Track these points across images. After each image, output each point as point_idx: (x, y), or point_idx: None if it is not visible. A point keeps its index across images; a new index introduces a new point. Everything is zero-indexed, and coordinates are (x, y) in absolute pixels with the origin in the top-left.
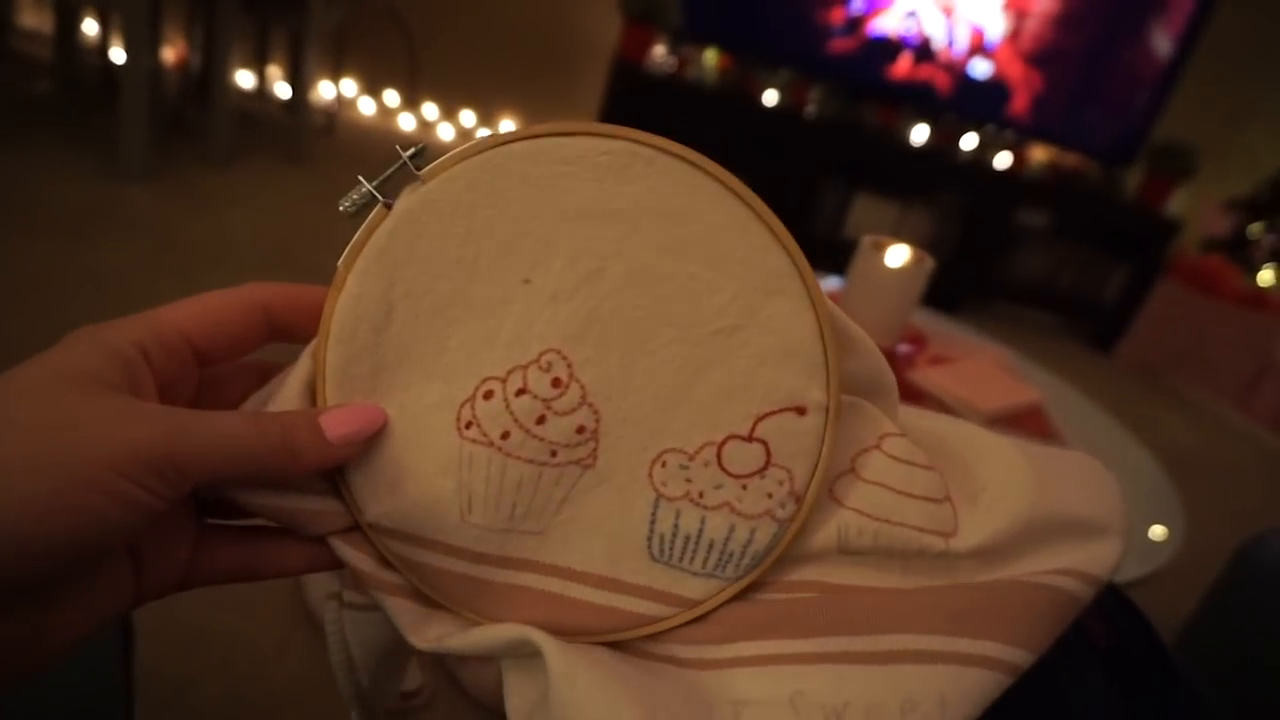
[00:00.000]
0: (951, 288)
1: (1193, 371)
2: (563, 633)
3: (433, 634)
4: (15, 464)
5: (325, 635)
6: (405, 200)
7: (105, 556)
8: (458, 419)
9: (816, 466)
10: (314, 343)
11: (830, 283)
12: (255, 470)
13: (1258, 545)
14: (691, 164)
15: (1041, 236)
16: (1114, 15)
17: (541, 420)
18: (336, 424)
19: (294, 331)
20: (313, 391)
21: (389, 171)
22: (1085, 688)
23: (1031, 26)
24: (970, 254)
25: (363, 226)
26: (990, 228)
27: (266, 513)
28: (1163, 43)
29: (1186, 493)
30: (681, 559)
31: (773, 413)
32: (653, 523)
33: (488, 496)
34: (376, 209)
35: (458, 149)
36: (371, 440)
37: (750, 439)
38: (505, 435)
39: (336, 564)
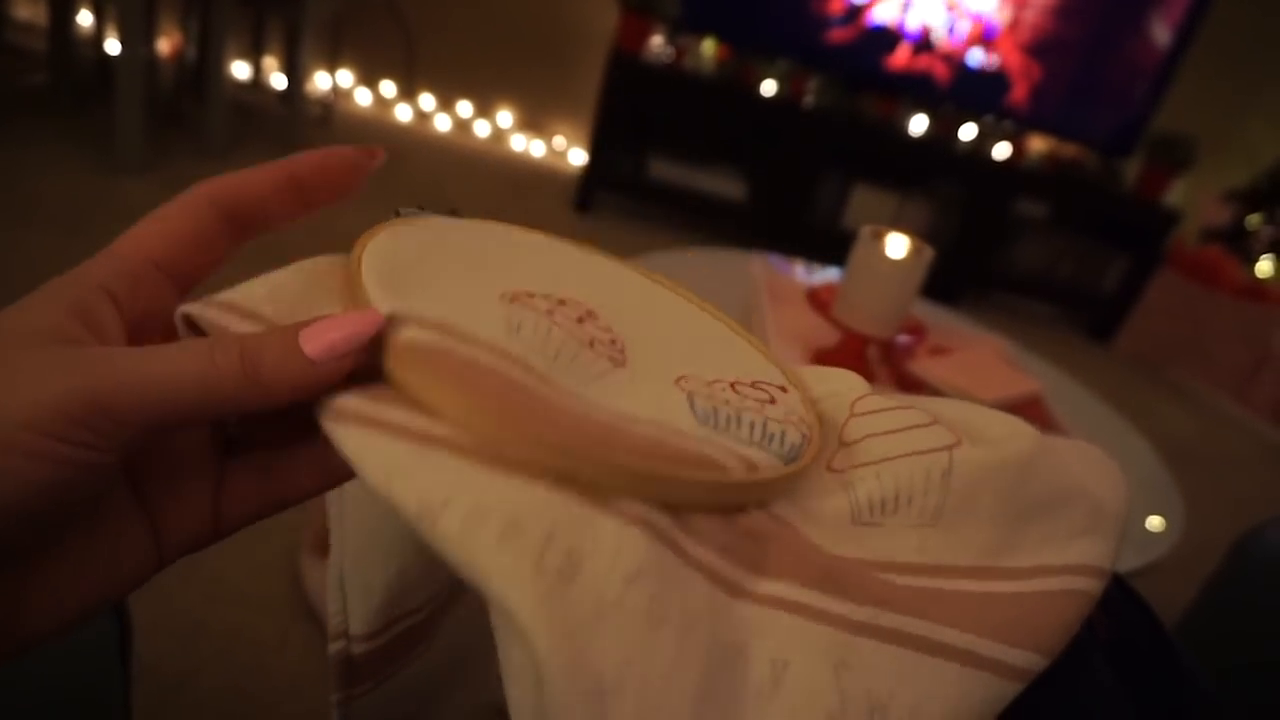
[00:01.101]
0: (950, 278)
1: (1191, 362)
2: (620, 451)
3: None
4: None
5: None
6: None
7: (70, 519)
8: (501, 296)
9: (811, 425)
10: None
11: (829, 273)
12: (216, 405)
13: (1256, 537)
14: (631, 268)
15: (1040, 227)
16: (1113, 5)
17: (581, 320)
18: (317, 335)
19: (254, 218)
20: (284, 297)
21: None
22: (1091, 680)
23: (1031, 16)
24: (969, 245)
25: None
26: (989, 218)
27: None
28: (1162, 33)
29: (1185, 484)
30: (727, 430)
31: (764, 382)
32: (692, 405)
33: (536, 331)
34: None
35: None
36: (366, 352)
37: (753, 385)
38: (550, 313)
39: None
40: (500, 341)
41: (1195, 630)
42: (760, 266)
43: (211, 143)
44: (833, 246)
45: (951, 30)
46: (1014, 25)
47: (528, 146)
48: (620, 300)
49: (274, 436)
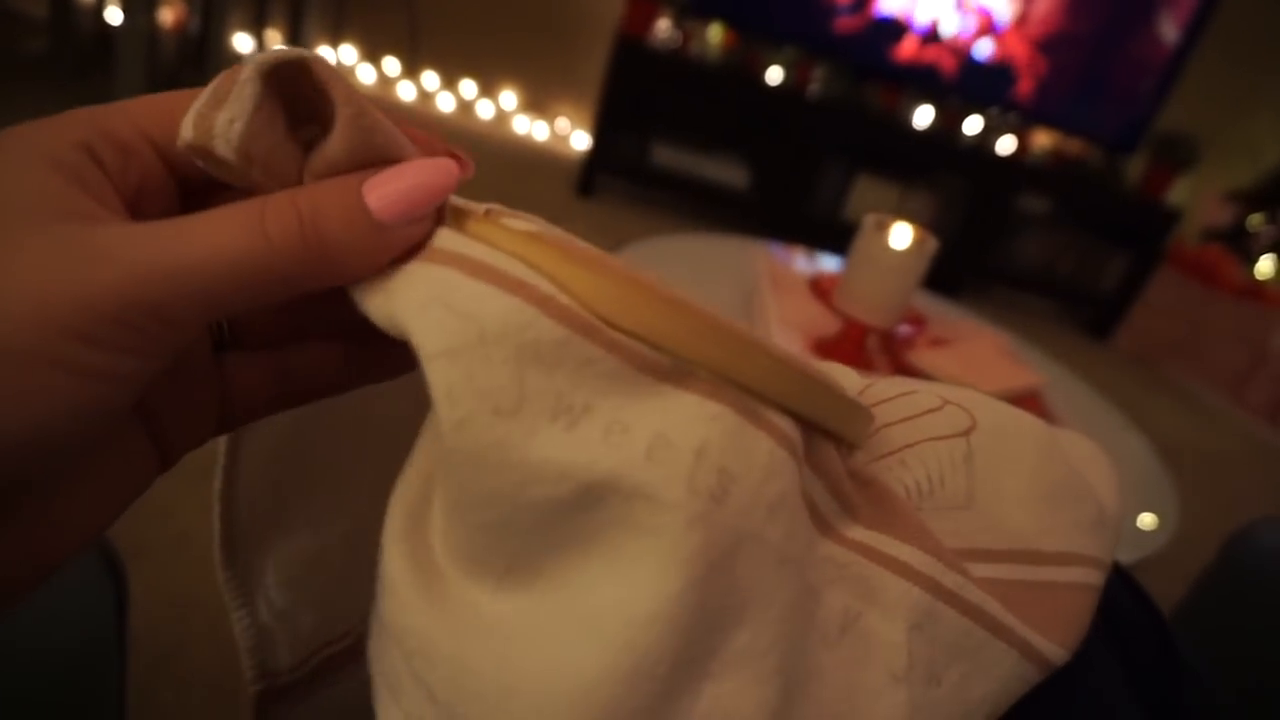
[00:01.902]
0: (951, 271)
1: (1188, 361)
2: (775, 353)
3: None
4: None
5: None
6: None
7: (98, 441)
8: None
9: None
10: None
11: (830, 262)
12: (273, 289)
13: (1247, 535)
14: None
15: (1042, 222)
16: (1122, 2)
17: None
18: (387, 192)
19: None
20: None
21: None
22: (1098, 673)
23: (1039, 10)
24: (970, 238)
25: None
26: (991, 212)
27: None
28: (1170, 31)
29: (1179, 482)
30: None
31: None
32: None
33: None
34: None
35: None
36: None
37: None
38: None
39: (379, 370)
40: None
41: (1186, 626)
42: (762, 255)
43: None
44: (834, 236)
45: (959, 23)
46: (1022, 19)
47: (531, 128)
48: None
49: (274, 324)
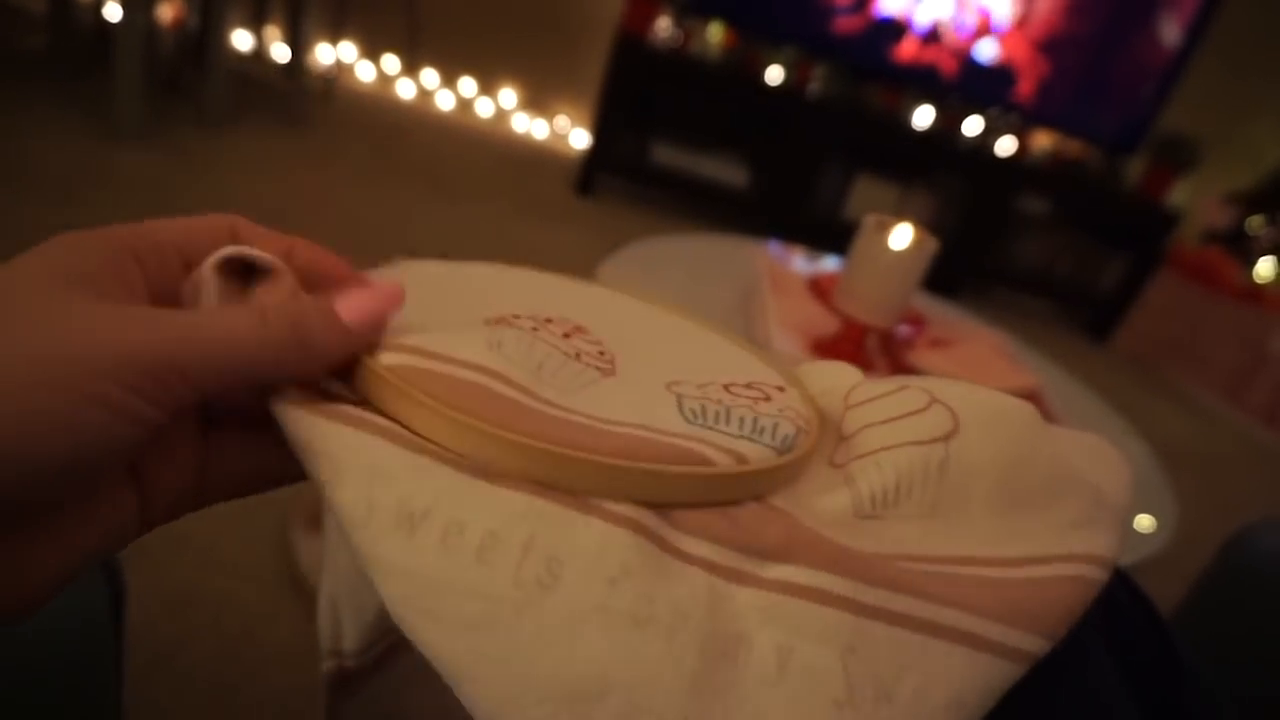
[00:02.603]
0: (950, 272)
1: (1187, 363)
2: (604, 453)
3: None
4: (8, 372)
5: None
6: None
7: (100, 478)
8: (485, 322)
9: (809, 420)
10: None
11: (829, 262)
12: (267, 370)
13: (1246, 537)
14: (644, 300)
15: (1041, 224)
16: (1123, 3)
17: (568, 335)
18: (355, 307)
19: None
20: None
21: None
22: (1092, 671)
23: (1040, 11)
24: (970, 239)
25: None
26: (990, 213)
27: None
28: (1171, 33)
29: (1177, 484)
30: (716, 423)
31: (759, 383)
32: (680, 405)
33: (519, 347)
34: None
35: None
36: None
37: (748, 385)
38: (535, 330)
39: None
40: (480, 358)
41: (1185, 628)
42: (761, 254)
43: (211, 113)
44: (833, 236)
45: (959, 23)
46: (1023, 20)
47: (530, 127)
48: (613, 320)
49: (255, 410)
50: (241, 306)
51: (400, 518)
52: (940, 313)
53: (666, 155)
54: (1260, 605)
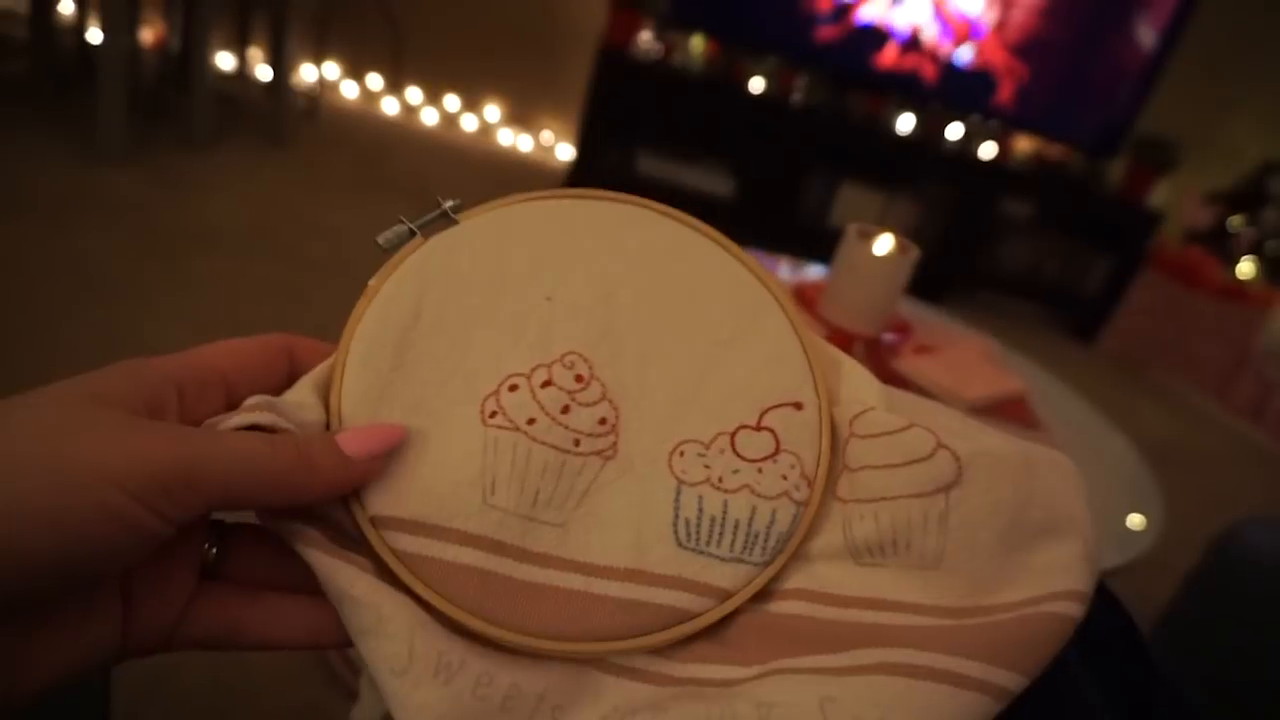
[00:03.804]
0: (936, 277)
1: (1172, 362)
2: (588, 638)
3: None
4: (19, 469)
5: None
6: (443, 233)
7: (95, 588)
8: (482, 410)
9: (820, 455)
10: (334, 356)
11: (815, 271)
12: (271, 489)
13: (1233, 535)
14: (683, 222)
15: (1025, 227)
16: (1099, 7)
17: (566, 410)
18: (355, 441)
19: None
20: (323, 393)
21: (429, 216)
22: (1069, 682)
23: (1017, 17)
24: (955, 243)
25: (400, 251)
26: (975, 217)
27: (268, 520)
28: (1147, 35)
29: (1165, 482)
30: (709, 543)
31: (775, 406)
32: (677, 508)
33: (512, 477)
34: (414, 240)
35: (491, 202)
36: (392, 456)
37: (759, 428)
38: (531, 421)
39: (336, 638)
40: (474, 524)
41: (1174, 625)
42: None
43: (195, 134)
44: (819, 244)
45: (939, 30)
46: (1001, 25)
47: (515, 141)
48: (639, 298)
49: (254, 571)
50: (256, 434)
51: (439, 667)
52: (926, 318)
53: (652, 166)
54: (1248, 601)
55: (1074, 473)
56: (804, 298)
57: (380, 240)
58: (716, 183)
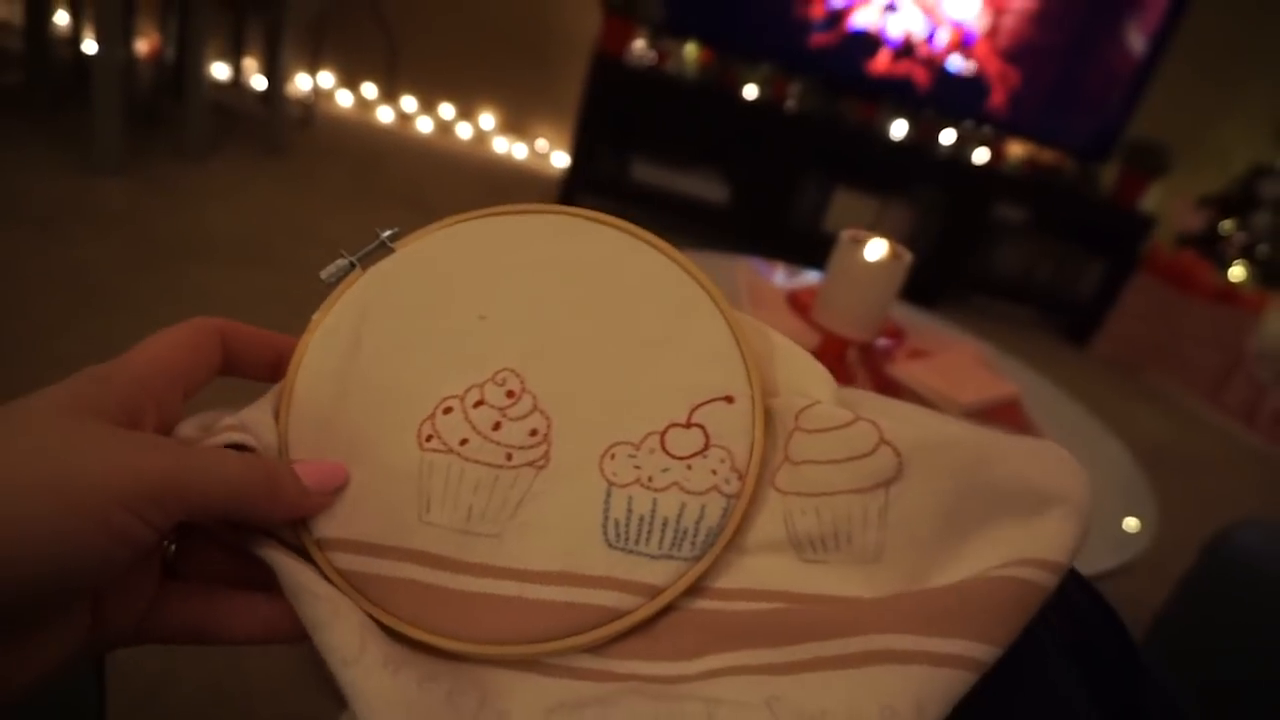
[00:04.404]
0: (930, 282)
1: (1166, 366)
2: (523, 640)
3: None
4: (17, 487)
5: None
6: (380, 263)
7: (81, 594)
8: (419, 435)
9: (752, 447)
10: (281, 384)
11: (809, 277)
12: (242, 507)
13: (1227, 538)
14: (615, 228)
15: (1019, 231)
16: (1090, 13)
17: (497, 426)
18: (313, 475)
19: (241, 362)
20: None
21: (368, 248)
22: (1051, 680)
23: (1009, 23)
24: (948, 248)
25: (341, 284)
26: (968, 222)
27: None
28: (1138, 41)
29: (1159, 485)
30: (638, 541)
31: (705, 402)
32: (606, 510)
33: (445, 497)
34: (354, 272)
35: (428, 226)
36: (338, 493)
37: (689, 425)
38: (464, 442)
39: (294, 633)
40: (411, 540)
41: (1168, 628)
42: (741, 270)
43: (190, 144)
44: (814, 249)
45: (931, 36)
46: (993, 31)
47: (510, 149)
48: (570, 308)
49: (210, 568)
50: (233, 453)
51: (387, 659)
52: (920, 323)
53: (646, 173)
54: (1243, 603)
55: (1053, 454)
56: (797, 304)
57: (323, 275)
58: (711, 189)
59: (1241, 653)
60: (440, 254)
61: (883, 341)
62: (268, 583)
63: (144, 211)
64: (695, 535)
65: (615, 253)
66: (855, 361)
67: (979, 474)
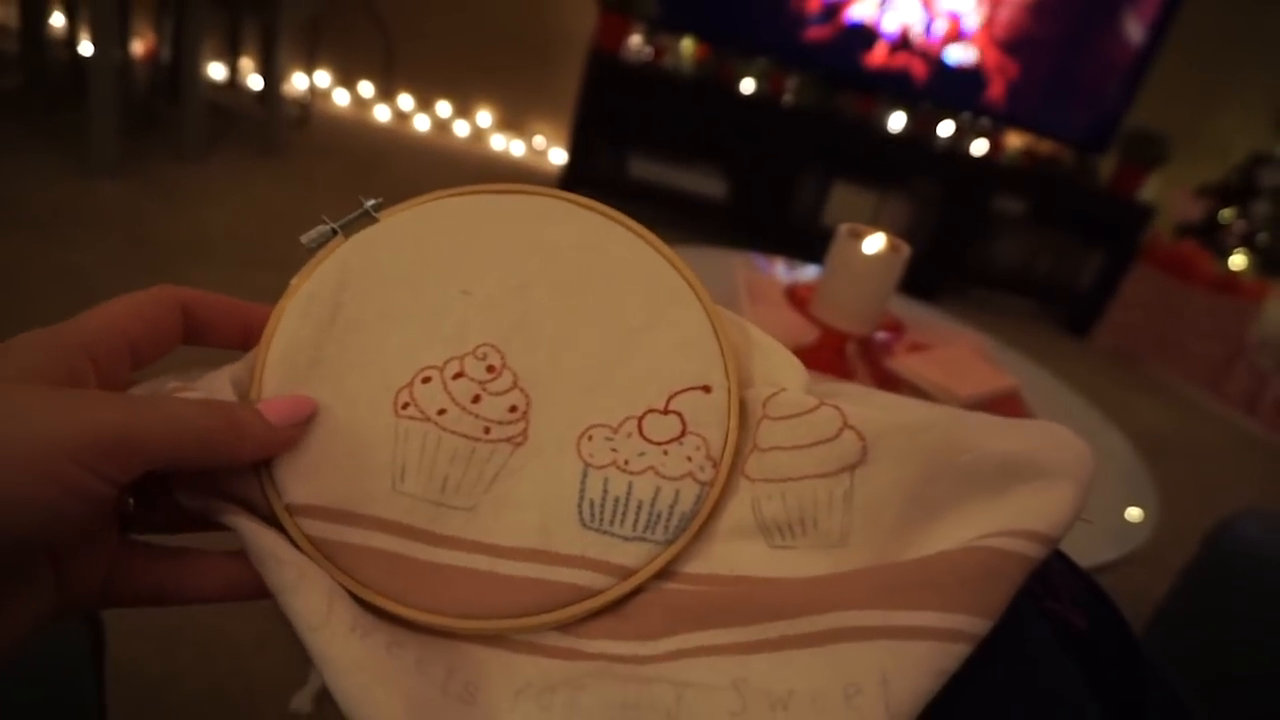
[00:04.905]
0: (929, 274)
1: (1166, 356)
2: (492, 614)
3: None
4: None
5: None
6: (363, 231)
7: (38, 553)
8: (395, 401)
9: (727, 436)
10: (253, 351)
11: (808, 271)
12: (204, 452)
13: (1228, 528)
14: (601, 214)
15: (1018, 223)
16: (1088, 3)
17: (477, 399)
18: (274, 409)
19: (208, 331)
20: (239, 390)
21: (351, 215)
22: (1053, 680)
23: (1006, 14)
24: (948, 240)
25: (322, 249)
26: (967, 214)
27: (192, 500)
28: (1135, 30)
29: (1160, 475)
30: (612, 522)
31: (683, 390)
32: (582, 490)
33: (421, 465)
34: (335, 239)
35: (412, 199)
36: (306, 427)
37: (666, 411)
38: (442, 412)
39: (254, 592)
40: (384, 509)
41: (1170, 619)
42: (740, 265)
43: (187, 145)
44: (813, 244)
45: (928, 28)
46: (990, 23)
47: (508, 146)
48: (553, 290)
49: (166, 519)
50: (190, 400)
51: (354, 624)
52: (919, 316)
53: (644, 169)
54: (1245, 594)
55: (1044, 430)
56: (796, 298)
57: (304, 240)
58: (709, 185)
59: (1243, 642)
60: (425, 227)
61: (882, 335)
62: (227, 539)
63: (142, 213)
64: (669, 519)
65: (601, 239)
66: (854, 355)
67: (950, 457)
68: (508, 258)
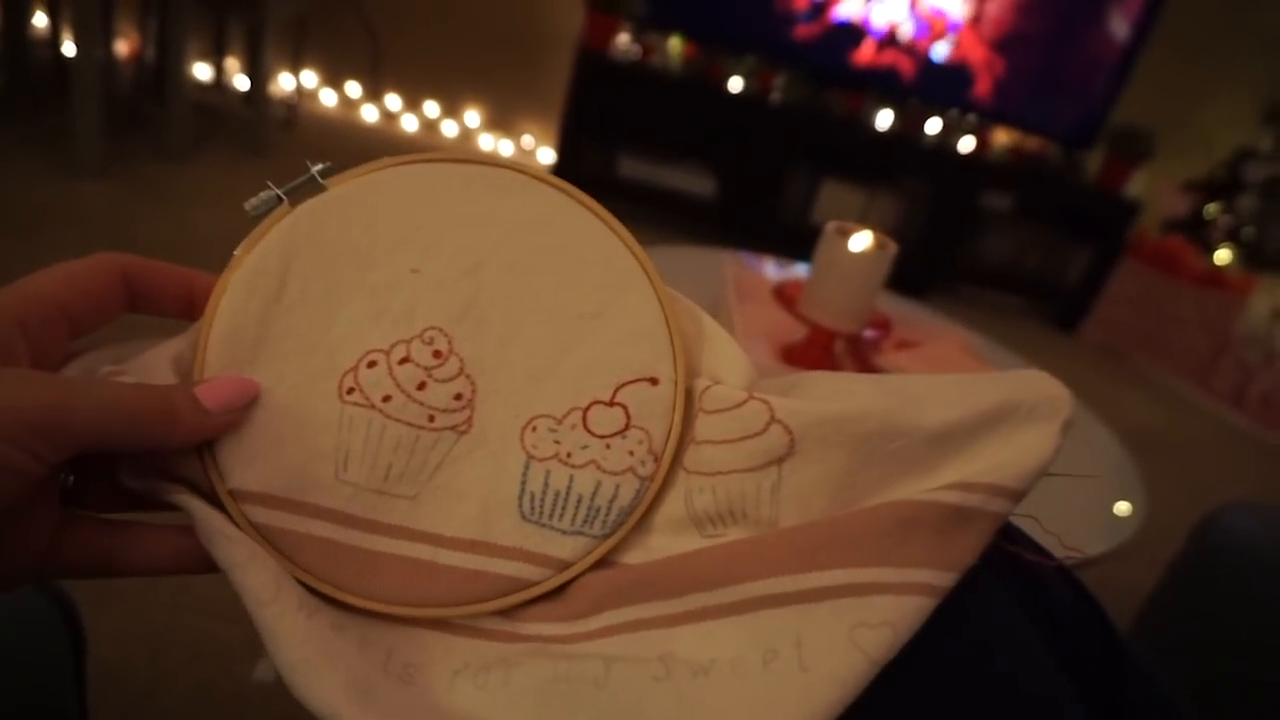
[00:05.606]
0: (918, 271)
1: (1154, 350)
2: (430, 603)
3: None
4: None
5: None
6: (311, 200)
7: None
8: (339, 386)
9: (670, 430)
10: (196, 325)
11: (797, 269)
12: (136, 435)
13: (1216, 521)
14: (558, 189)
15: (1005, 219)
16: (1073, 0)
17: (422, 386)
18: (211, 394)
19: (151, 300)
20: (181, 366)
21: (297, 181)
22: (1038, 676)
23: (993, 11)
24: (936, 237)
25: (267, 219)
26: (955, 211)
27: (136, 482)
28: (1120, 27)
29: (1148, 469)
30: (551, 516)
31: (630, 381)
32: (524, 482)
33: (365, 454)
34: (281, 207)
35: (361, 166)
36: (247, 410)
37: (612, 403)
38: (386, 399)
39: (202, 565)
40: (328, 498)
41: (1158, 612)
42: (728, 264)
43: (172, 145)
44: (803, 242)
45: (915, 25)
46: (976, 20)
47: (496, 146)
48: (505, 270)
49: (108, 498)
50: (126, 383)
51: (301, 603)
52: (907, 314)
53: (633, 168)
54: (1232, 587)
55: (1038, 376)
56: (784, 297)
57: (248, 206)
58: (698, 183)
59: (1230, 635)
60: (376, 198)
61: (869, 333)
62: (179, 517)
63: (126, 214)
64: (607, 514)
65: (555, 216)
66: (843, 353)
67: (880, 444)
68: (460, 233)
